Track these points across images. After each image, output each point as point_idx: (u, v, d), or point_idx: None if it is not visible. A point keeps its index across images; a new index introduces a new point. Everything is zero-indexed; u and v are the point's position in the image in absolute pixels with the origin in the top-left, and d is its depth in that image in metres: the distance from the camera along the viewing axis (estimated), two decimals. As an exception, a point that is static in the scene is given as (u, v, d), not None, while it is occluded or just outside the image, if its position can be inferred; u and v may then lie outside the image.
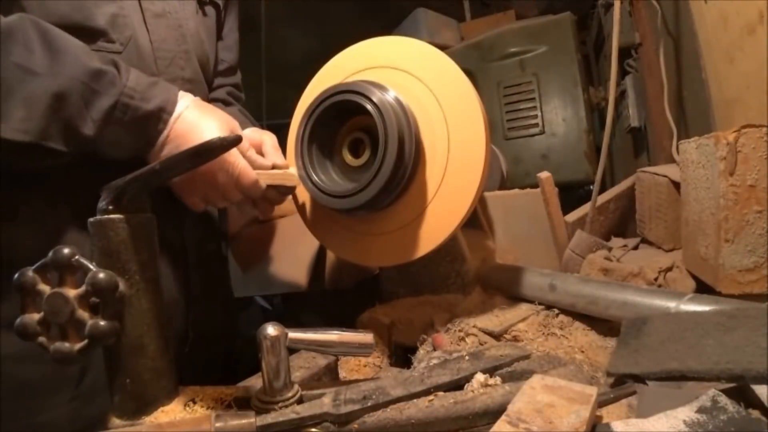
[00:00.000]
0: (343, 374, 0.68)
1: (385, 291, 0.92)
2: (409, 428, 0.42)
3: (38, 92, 0.53)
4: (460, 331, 0.69)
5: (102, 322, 0.42)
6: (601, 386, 0.47)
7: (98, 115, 0.56)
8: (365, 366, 0.71)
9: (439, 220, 0.67)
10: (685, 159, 0.76)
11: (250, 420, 0.43)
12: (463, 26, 2.22)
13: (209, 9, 0.85)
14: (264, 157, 0.72)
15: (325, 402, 0.44)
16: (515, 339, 0.67)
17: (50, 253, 0.43)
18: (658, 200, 0.96)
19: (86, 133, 0.56)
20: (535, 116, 1.74)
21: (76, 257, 0.43)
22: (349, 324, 0.81)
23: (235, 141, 0.45)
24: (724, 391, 0.39)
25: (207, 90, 0.85)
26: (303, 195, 0.76)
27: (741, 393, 0.38)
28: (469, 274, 0.84)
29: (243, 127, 0.74)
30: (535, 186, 1.00)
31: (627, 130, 1.70)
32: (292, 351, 0.47)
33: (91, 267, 0.43)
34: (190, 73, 0.77)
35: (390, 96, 0.65)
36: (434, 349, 0.68)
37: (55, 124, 0.55)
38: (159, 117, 0.61)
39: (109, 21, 0.66)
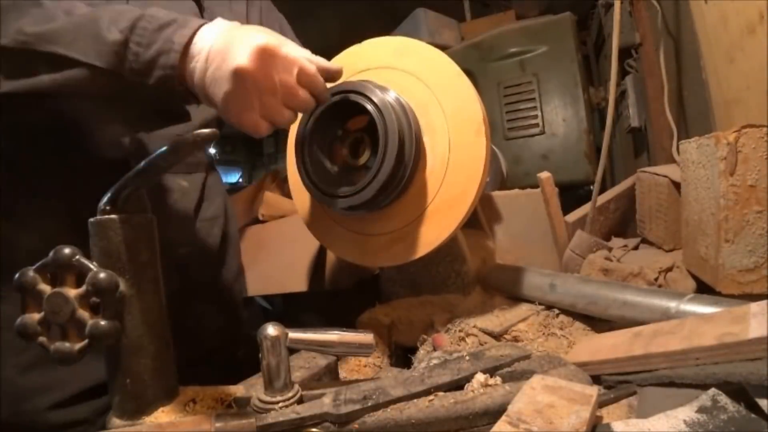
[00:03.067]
0: (343, 374, 0.68)
1: (385, 291, 0.92)
2: (409, 428, 0.42)
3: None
4: (460, 331, 0.69)
5: (102, 322, 0.42)
6: (601, 387, 0.47)
7: (124, 24, 0.52)
8: (365, 366, 0.71)
9: (439, 220, 0.67)
10: (685, 159, 0.76)
11: (250, 420, 0.43)
12: (463, 26, 2.22)
13: None
14: None
15: (326, 402, 0.44)
16: (515, 339, 0.67)
17: (51, 253, 0.43)
18: (658, 200, 0.96)
19: (110, 38, 0.51)
20: (535, 116, 1.74)
21: (77, 257, 0.43)
22: (349, 324, 0.81)
23: (210, 136, 0.44)
24: (725, 392, 0.39)
25: None
26: (303, 195, 0.76)
27: (741, 393, 0.38)
28: (469, 274, 0.84)
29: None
30: (535, 186, 1.00)
31: (627, 130, 1.70)
32: (292, 351, 0.47)
33: (92, 267, 0.43)
34: None
35: (390, 96, 0.65)
36: (434, 349, 0.68)
37: (81, 36, 0.51)
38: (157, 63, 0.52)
39: None
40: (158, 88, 0.54)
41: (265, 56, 0.52)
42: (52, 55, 0.51)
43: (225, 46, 0.52)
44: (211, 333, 0.82)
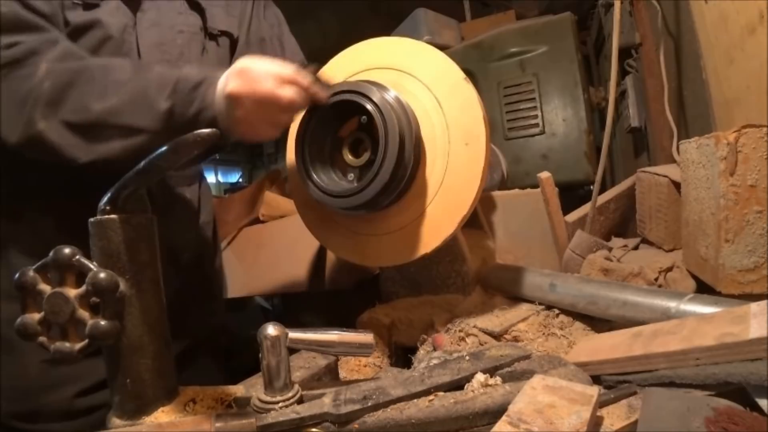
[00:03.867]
0: (343, 374, 0.68)
1: (385, 291, 0.92)
2: (409, 428, 0.42)
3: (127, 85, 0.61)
4: (460, 331, 0.69)
5: (102, 322, 0.42)
6: (601, 387, 0.47)
7: (168, 90, 0.60)
8: (365, 366, 0.71)
9: (439, 220, 0.67)
10: (685, 159, 0.76)
11: (250, 420, 0.43)
12: (463, 26, 2.22)
13: (222, 39, 0.85)
14: None
15: (326, 402, 0.44)
16: (515, 339, 0.67)
17: (51, 253, 0.43)
18: (658, 200, 0.96)
19: (162, 106, 0.60)
20: (535, 116, 1.74)
21: (77, 257, 0.43)
22: (349, 324, 0.81)
23: (210, 135, 0.45)
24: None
25: None
26: (303, 195, 0.76)
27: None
28: (469, 274, 0.84)
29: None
30: (535, 186, 1.00)
31: (627, 130, 1.70)
32: (292, 351, 0.47)
33: (92, 267, 0.43)
34: None
35: (390, 96, 0.65)
36: (434, 349, 0.68)
37: (139, 107, 0.60)
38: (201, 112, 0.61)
39: None
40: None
41: (243, 75, 0.60)
42: (122, 126, 0.60)
43: (223, 85, 0.61)
44: (198, 328, 0.85)
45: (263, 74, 0.61)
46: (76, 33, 0.67)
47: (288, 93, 0.61)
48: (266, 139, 0.68)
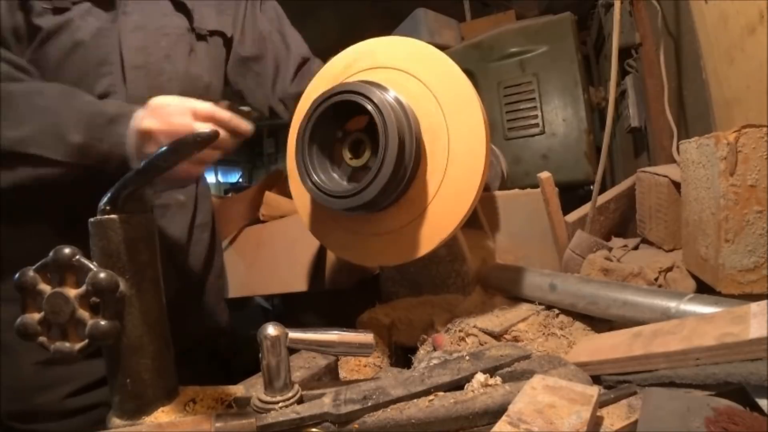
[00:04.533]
0: (343, 374, 0.68)
1: (385, 291, 0.92)
2: (409, 428, 0.42)
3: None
4: (460, 331, 0.69)
5: (102, 322, 0.42)
6: (601, 387, 0.47)
7: (82, 125, 0.61)
8: (365, 366, 0.71)
9: (439, 220, 0.67)
10: (685, 159, 0.76)
11: (250, 420, 0.43)
12: (463, 26, 2.22)
13: (214, 39, 0.85)
14: None
15: (326, 402, 0.44)
16: (515, 339, 0.67)
17: (51, 253, 0.43)
18: (658, 200, 0.96)
19: (74, 140, 0.60)
20: (535, 116, 1.74)
21: (77, 257, 0.43)
22: (349, 324, 0.82)
23: (210, 135, 0.44)
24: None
25: None
26: (303, 195, 0.76)
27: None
28: (469, 274, 0.84)
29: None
30: (535, 186, 1.00)
31: (627, 130, 1.70)
32: (292, 351, 0.47)
33: (92, 267, 0.43)
34: None
35: (390, 96, 0.65)
36: (434, 349, 0.68)
37: (50, 139, 0.61)
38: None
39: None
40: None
41: (158, 111, 0.61)
42: (31, 156, 0.60)
43: (138, 121, 0.61)
44: (198, 329, 0.85)
45: (179, 110, 0.60)
46: (47, 39, 0.67)
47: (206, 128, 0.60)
48: (191, 178, 0.67)
